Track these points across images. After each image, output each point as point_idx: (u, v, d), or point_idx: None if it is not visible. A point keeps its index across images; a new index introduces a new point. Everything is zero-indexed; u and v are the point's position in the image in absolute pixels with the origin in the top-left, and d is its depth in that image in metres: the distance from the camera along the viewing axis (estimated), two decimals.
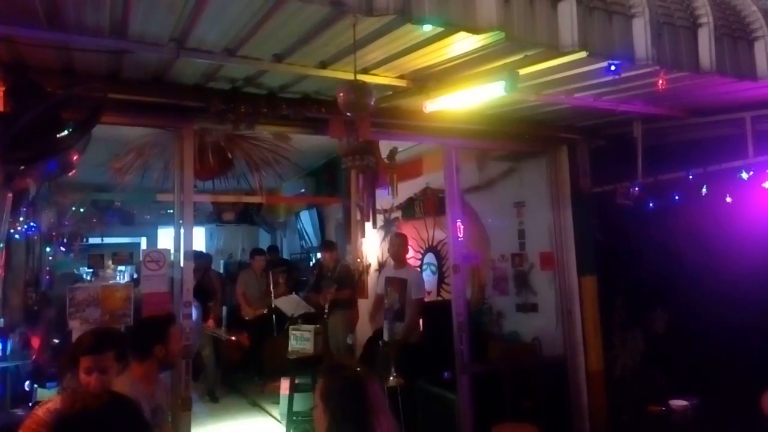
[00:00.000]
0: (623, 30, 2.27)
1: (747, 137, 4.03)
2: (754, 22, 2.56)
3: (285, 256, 10.00)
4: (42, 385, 4.21)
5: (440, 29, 2.53)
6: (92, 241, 7.98)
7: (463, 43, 2.86)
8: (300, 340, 5.14)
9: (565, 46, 2.15)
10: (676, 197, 4.29)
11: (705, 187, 4.14)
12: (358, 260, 6.88)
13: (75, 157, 3.36)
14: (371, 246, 7.09)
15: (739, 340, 4.09)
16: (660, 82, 2.70)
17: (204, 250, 9.18)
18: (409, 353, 4.82)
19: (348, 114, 2.79)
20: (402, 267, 5.51)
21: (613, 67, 2.39)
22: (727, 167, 4.06)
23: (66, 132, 3.18)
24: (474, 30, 2.03)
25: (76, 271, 6.75)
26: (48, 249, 6.45)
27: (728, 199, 4.10)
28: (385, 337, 4.61)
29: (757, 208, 3.98)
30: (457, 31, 2.38)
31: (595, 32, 2.21)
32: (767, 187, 3.91)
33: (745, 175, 4.03)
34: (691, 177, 4.16)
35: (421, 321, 5.30)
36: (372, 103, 2.67)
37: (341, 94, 2.68)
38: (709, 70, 2.40)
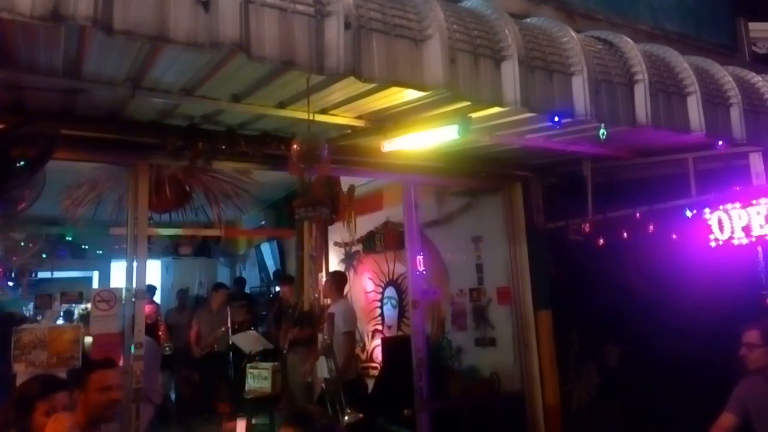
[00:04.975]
0: (563, 87, 2.40)
1: (690, 177, 4.23)
2: (686, 79, 2.74)
3: (245, 288, 9.83)
4: None
5: None
6: (42, 275, 7.70)
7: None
8: (257, 379, 5.02)
9: (508, 103, 2.25)
10: (625, 234, 4.44)
11: (651, 224, 4.30)
12: (316, 296, 6.81)
13: (22, 205, 3.27)
14: None
15: (688, 373, 4.22)
16: (601, 133, 2.84)
17: (158, 285, 8.95)
18: (348, 391, 4.74)
19: (302, 165, 2.83)
20: (336, 301, 5.44)
21: (556, 118, 2.51)
22: (672, 205, 4.25)
23: (17, 169, 3.11)
24: (422, 88, 2.12)
25: (23, 309, 6.48)
26: None
27: (674, 236, 4.27)
28: (325, 374, 4.55)
29: (701, 244, 4.16)
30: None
31: (537, 90, 2.33)
32: (707, 218, 4.09)
33: (689, 213, 4.22)
34: (638, 215, 4.32)
35: (358, 355, 5.20)
36: (324, 154, 2.73)
37: (294, 146, 2.74)
38: (645, 124, 2.55)
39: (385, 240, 6.40)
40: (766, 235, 3.77)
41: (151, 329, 4.67)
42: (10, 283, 6.91)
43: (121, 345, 3.54)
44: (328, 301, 5.62)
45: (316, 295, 6.77)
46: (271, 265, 8.95)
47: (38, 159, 3.16)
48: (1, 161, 3.05)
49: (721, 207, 3.99)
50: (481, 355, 5.46)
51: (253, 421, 5.22)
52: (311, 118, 3.09)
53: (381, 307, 6.57)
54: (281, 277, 7.78)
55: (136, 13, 1.60)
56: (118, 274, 8.33)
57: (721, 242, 4.03)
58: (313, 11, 1.94)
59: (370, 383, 5.60)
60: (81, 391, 2.70)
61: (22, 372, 3.49)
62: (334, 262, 7.10)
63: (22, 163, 3.13)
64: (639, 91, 2.57)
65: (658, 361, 4.45)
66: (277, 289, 7.95)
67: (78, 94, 3.06)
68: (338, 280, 5.70)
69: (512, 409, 4.87)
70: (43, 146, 3.16)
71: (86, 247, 8.90)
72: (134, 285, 3.70)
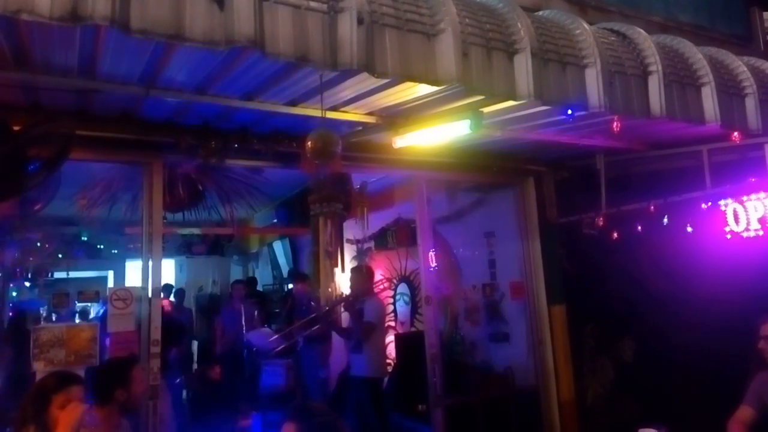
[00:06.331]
0: (576, 80, 2.38)
1: (704, 169, 4.20)
2: (701, 69, 2.71)
3: (257, 287, 9.86)
4: (2, 429, 4.05)
5: None
6: (57, 275, 7.78)
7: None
8: (272, 375, 5.06)
9: (522, 96, 2.24)
10: (639, 227, 4.41)
11: (666, 217, 4.28)
12: (330, 290, 6.82)
13: (38, 206, 3.31)
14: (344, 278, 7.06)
15: (704, 367, 4.19)
16: (615, 125, 2.82)
17: (173, 283, 9.00)
18: (372, 389, 4.74)
19: (316, 162, 2.83)
20: (365, 298, 5.26)
21: (569, 111, 2.49)
22: (687, 198, 4.22)
23: (33, 169, 3.14)
24: (435, 83, 2.12)
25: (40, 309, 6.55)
26: (11, 285, 6.27)
27: (689, 229, 4.24)
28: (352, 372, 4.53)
29: (716, 236, 4.13)
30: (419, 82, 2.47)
31: (550, 82, 2.32)
32: (724, 210, 4.07)
33: (704, 206, 4.19)
34: (652, 208, 4.29)
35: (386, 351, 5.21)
36: (339, 150, 2.74)
37: (308, 144, 2.74)
38: (660, 116, 2.52)
39: (397, 236, 6.39)
40: None
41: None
42: (27, 283, 7.00)
43: (137, 343, 3.58)
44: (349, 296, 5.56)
45: (337, 291, 6.79)
46: (283, 263, 8.98)
47: (54, 159, 3.19)
48: (18, 161, 3.09)
49: (737, 198, 3.96)
50: (495, 350, 5.45)
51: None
52: (323, 115, 3.10)
53: (394, 304, 6.58)
54: (295, 274, 7.80)
55: (153, 12, 1.61)
56: (133, 274, 8.39)
57: (736, 234, 4.00)
58: (326, 7, 1.95)
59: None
60: (124, 390, 2.83)
61: (41, 370, 3.53)
62: (347, 259, 7.10)
63: (38, 163, 3.17)
64: (653, 83, 2.55)
65: (673, 355, 4.42)
66: (290, 286, 7.98)
67: (93, 94, 3.09)
68: (365, 275, 5.46)
69: (527, 404, 4.86)
70: (59, 146, 3.19)
71: (101, 246, 8.99)
72: (150, 284, 3.74)
